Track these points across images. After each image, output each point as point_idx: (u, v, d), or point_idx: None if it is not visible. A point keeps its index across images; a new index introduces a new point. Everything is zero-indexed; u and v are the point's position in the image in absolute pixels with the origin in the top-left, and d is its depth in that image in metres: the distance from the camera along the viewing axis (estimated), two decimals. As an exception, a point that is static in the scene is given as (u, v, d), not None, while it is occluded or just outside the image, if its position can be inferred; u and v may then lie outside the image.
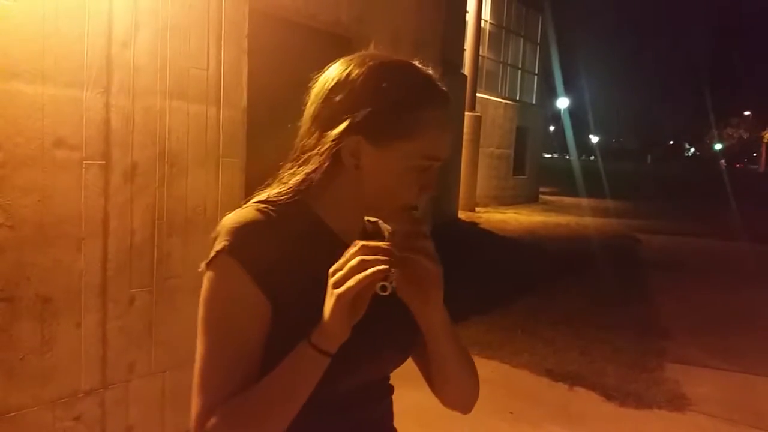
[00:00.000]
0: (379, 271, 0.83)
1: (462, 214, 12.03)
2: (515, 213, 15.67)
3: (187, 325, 3.11)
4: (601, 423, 3.76)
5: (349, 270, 0.83)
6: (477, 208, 14.54)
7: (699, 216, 16.69)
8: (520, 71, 20.18)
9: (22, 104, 2.38)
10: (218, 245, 0.92)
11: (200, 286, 0.93)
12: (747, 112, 69.35)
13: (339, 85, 0.97)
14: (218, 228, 0.95)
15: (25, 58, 2.38)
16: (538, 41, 21.11)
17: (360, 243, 0.86)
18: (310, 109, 1.01)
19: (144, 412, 2.95)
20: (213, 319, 0.92)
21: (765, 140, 70.49)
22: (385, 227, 1.09)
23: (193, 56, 3.00)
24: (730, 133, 74.02)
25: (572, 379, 4.35)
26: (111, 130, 2.69)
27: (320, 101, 0.99)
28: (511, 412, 3.71)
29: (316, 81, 1.02)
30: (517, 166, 19.23)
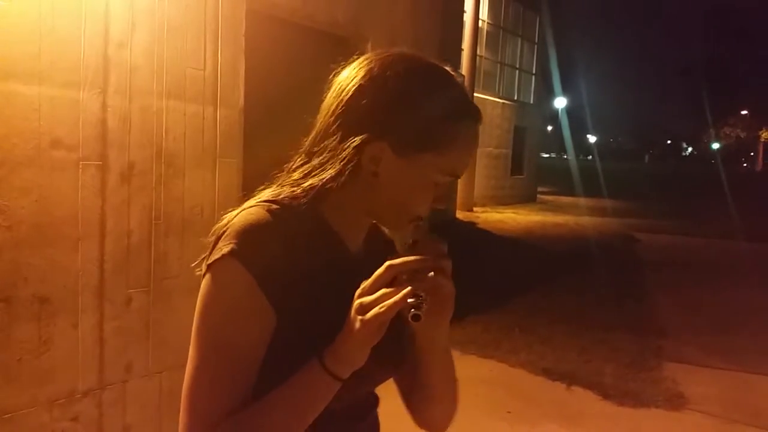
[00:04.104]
0: (409, 298, 0.77)
1: (460, 214, 12.05)
2: (513, 213, 15.68)
3: (184, 325, 3.10)
4: (598, 422, 3.77)
5: (380, 296, 0.78)
6: (475, 208, 14.55)
7: (697, 215, 16.72)
8: (517, 71, 20.20)
9: (19, 105, 2.38)
10: (224, 247, 0.84)
11: (198, 286, 0.87)
12: (744, 112, 69.35)
13: (367, 86, 0.90)
14: (218, 227, 0.88)
15: (22, 59, 2.38)
16: (536, 41, 21.13)
17: (387, 263, 0.80)
18: (332, 107, 0.92)
19: (141, 412, 2.94)
20: (212, 326, 0.85)
21: (762, 139, 70.54)
22: (396, 238, 1.03)
23: (190, 56, 3.00)
24: (728, 133, 74.06)
25: (570, 378, 4.35)
26: (108, 131, 2.69)
27: (346, 101, 0.90)
28: (509, 411, 3.71)
29: (338, 75, 0.95)
30: (515, 166, 19.25)
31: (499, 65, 18.95)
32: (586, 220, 14.73)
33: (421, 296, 0.77)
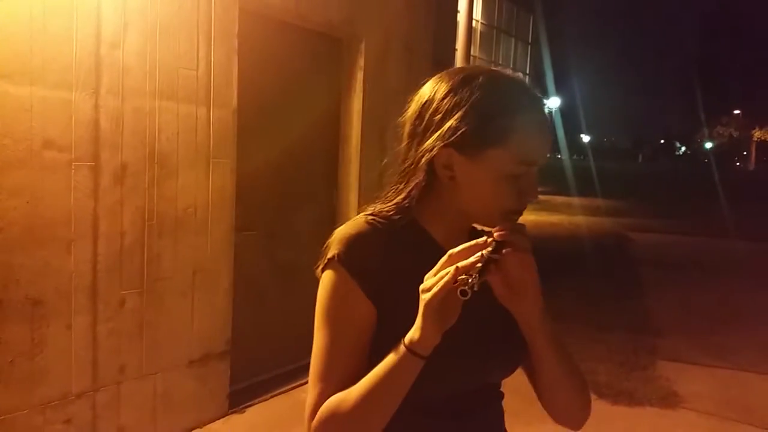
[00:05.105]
0: (454, 277, 0.84)
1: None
2: (507, 212, 15.66)
3: (177, 326, 3.10)
4: (593, 420, 3.73)
5: (438, 277, 0.87)
6: (469, 208, 14.55)
7: (690, 214, 16.78)
8: (511, 71, 20.22)
9: (10, 105, 2.37)
10: (330, 253, 1.00)
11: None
12: (737, 111, 69.62)
13: (429, 102, 0.99)
14: (332, 237, 1.02)
15: (13, 59, 2.37)
16: (530, 41, 21.17)
17: (449, 252, 0.89)
18: (406, 128, 1.04)
19: (135, 414, 2.93)
20: (326, 317, 1.00)
21: (755, 138, 70.88)
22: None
23: (183, 56, 2.99)
24: (721, 132, 74.30)
25: (564, 378, 4.35)
26: (100, 131, 2.68)
27: (414, 119, 1.02)
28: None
29: (412, 101, 1.04)
30: (509, 166, 19.25)
31: (492, 65, 18.99)
32: (580, 220, 14.77)
33: (471, 274, 0.84)
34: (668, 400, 4.05)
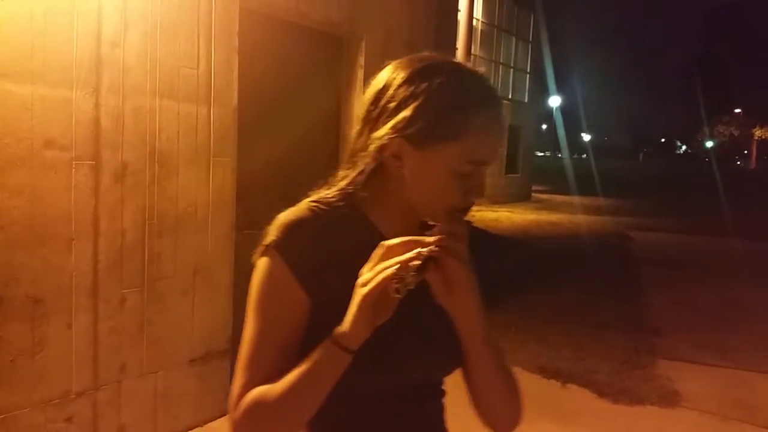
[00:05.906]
0: (393, 274, 0.83)
1: (455, 213, 12.04)
2: (508, 211, 15.72)
3: (178, 325, 3.11)
4: (593, 419, 3.77)
5: (376, 272, 0.86)
6: (470, 207, 14.54)
7: (690, 213, 16.77)
8: (512, 70, 20.23)
9: (11, 104, 2.37)
10: (268, 239, 0.97)
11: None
12: (738, 110, 69.55)
13: (385, 89, 0.98)
14: (272, 223, 1.00)
15: (14, 58, 2.37)
16: (530, 40, 21.17)
17: (385, 245, 0.88)
18: (360, 112, 1.02)
19: (136, 412, 2.94)
20: (258, 306, 0.97)
21: (755, 137, 70.82)
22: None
23: (184, 55, 2.99)
24: (722, 131, 74.18)
25: (565, 377, 4.36)
26: (101, 130, 2.68)
27: (369, 104, 1.00)
28: (504, 410, 3.70)
29: (369, 85, 1.03)
30: (510, 165, 19.30)
31: (493, 64, 18.96)
32: (581, 219, 14.78)
33: (407, 272, 0.83)
34: (669, 398, 4.06)
